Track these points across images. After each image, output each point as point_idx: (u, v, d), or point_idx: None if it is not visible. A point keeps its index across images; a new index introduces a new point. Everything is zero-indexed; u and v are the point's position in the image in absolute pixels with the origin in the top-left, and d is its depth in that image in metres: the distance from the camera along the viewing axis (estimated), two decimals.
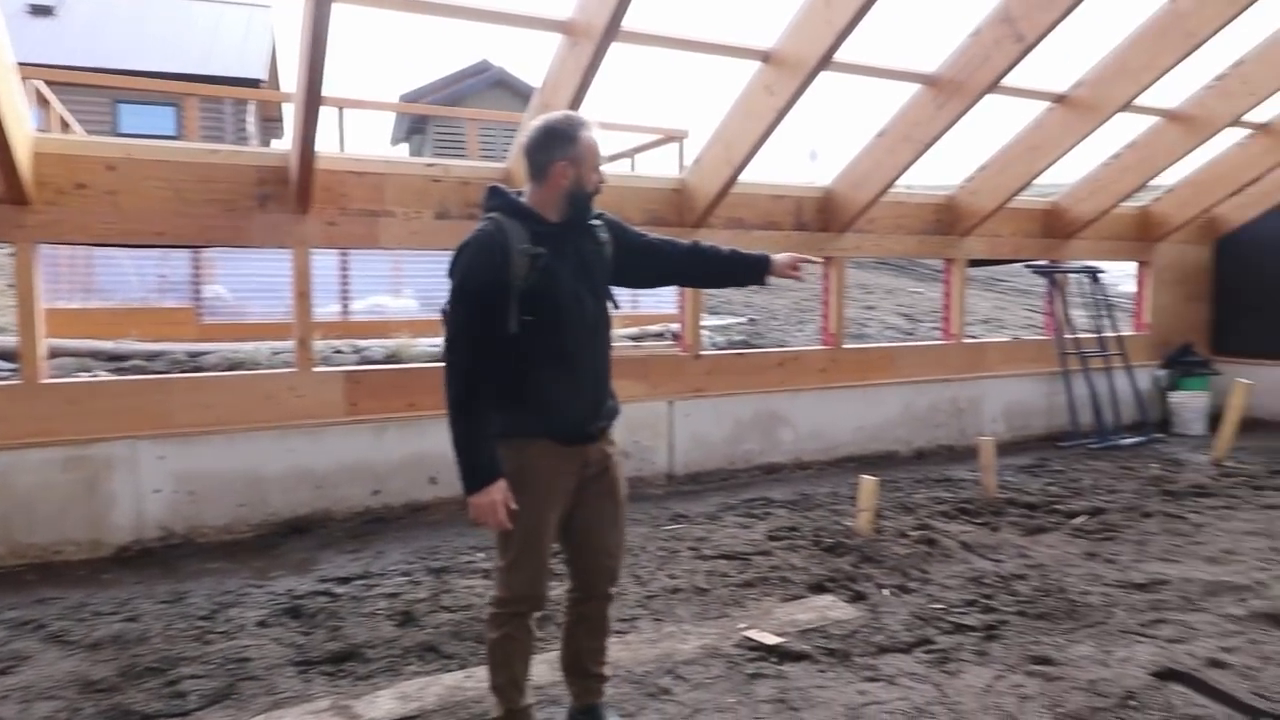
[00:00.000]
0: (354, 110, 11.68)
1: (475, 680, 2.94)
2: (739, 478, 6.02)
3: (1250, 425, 6.90)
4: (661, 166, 13.10)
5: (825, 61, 4.60)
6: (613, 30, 4.14)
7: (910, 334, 10.94)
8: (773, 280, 2.76)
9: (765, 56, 4.88)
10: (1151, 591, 3.77)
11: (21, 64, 4.15)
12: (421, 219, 4.99)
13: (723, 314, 11.73)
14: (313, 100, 3.97)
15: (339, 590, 3.83)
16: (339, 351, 6.69)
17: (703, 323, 9.77)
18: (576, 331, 2.38)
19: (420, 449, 5.00)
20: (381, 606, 3.62)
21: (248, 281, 8.10)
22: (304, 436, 4.76)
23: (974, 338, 8.20)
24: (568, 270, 2.36)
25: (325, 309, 7.92)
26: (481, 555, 4.22)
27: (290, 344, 4.95)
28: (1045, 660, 3.09)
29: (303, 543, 4.53)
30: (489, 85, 20.88)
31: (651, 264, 2.65)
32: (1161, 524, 4.78)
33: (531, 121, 2.44)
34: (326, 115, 8.26)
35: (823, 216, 6.29)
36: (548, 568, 2.44)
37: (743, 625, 3.43)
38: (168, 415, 4.47)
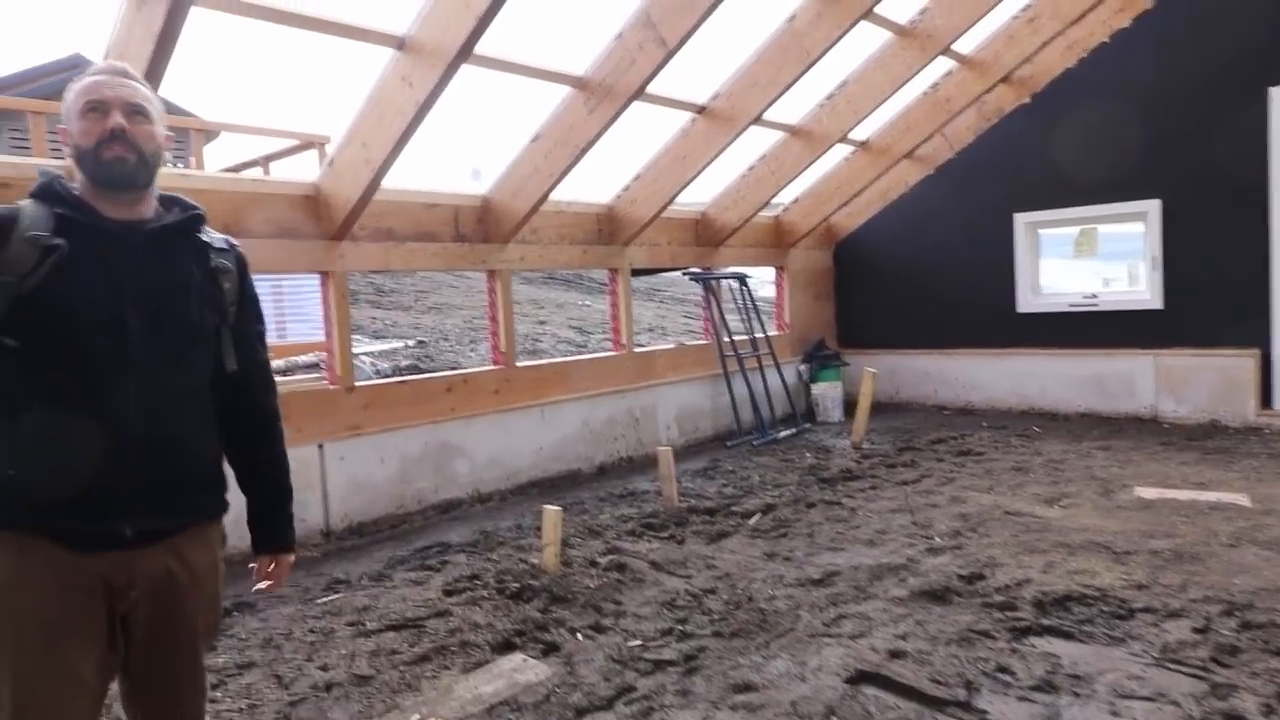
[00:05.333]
0: None
1: None
2: (412, 521, 5.33)
3: (875, 409, 7.78)
4: (301, 176, 11.78)
5: (467, 52, 4.15)
6: None
7: (583, 347, 10.98)
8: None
9: (400, 44, 4.30)
10: (827, 585, 3.83)
11: None
12: None
13: (388, 338, 10.82)
14: None
15: None
16: None
17: (362, 349, 8.85)
18: (105, 367, 1.58)
19: None
20: None
21: None
22: None
23: (642, 347, 8.33)
24: (107, 277, 1.60)
25: None
26: None
27: None
28: (747, 686, 2.90)
29: None
30: None
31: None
32: (824, 512, 5.03)
33: None
34: None
35: (483, 227, 5.84)
36: None
37: (416, 718, 2.82)
38: None
